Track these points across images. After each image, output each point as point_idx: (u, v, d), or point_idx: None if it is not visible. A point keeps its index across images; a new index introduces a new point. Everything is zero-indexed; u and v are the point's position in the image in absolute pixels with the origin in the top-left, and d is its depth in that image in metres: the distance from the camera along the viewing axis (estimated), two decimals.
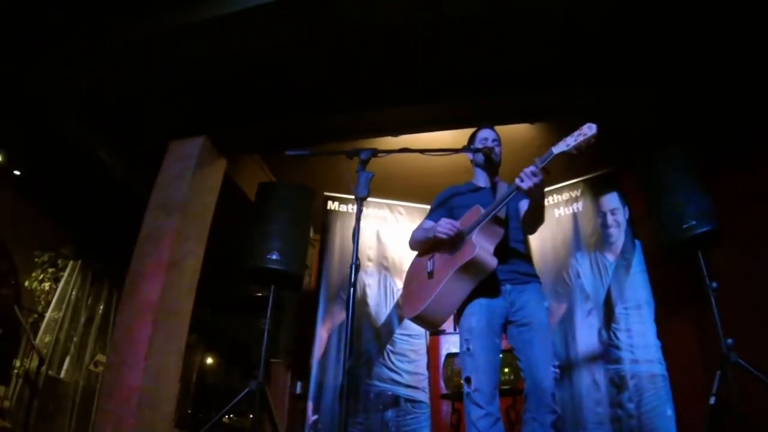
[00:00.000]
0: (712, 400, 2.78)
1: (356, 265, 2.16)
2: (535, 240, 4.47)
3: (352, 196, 4.72)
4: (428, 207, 2.89)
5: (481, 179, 2.70)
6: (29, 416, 5.25)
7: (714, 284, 2.93)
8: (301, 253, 3.86)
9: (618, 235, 3.99)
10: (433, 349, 4.59)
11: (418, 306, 2.34)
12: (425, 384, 4.21)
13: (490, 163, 2.65)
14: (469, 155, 2.73)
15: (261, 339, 3.45)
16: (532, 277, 2.44)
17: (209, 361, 9.69)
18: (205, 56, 3.93)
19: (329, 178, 4.77)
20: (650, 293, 3.72)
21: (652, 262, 3.79)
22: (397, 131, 4.54)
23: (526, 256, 2.51)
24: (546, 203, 4.44)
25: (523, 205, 2.44)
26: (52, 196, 6.99)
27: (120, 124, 4.87)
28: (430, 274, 2.45)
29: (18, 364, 6.20)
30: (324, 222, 4.76)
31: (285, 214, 3.78)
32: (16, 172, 6.68)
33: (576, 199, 4.35)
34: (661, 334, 3.57)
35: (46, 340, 6.61)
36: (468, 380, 2.24)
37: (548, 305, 2.52)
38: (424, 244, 2.57)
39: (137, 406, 3.70)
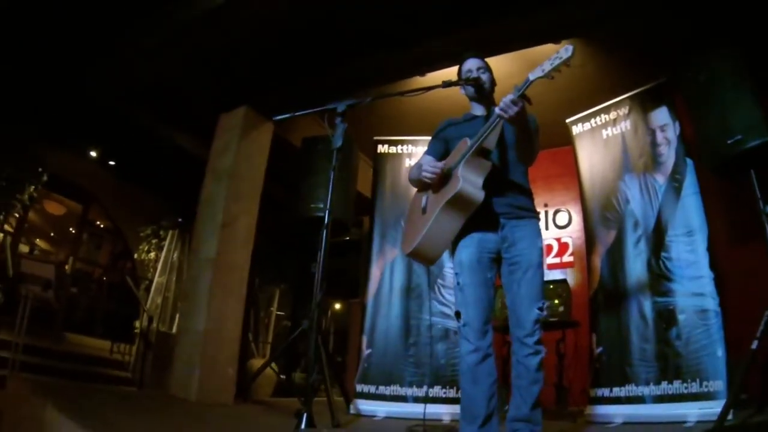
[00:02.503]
0: (754, 344, 2.50)
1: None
2: (584, 163, 4.22)
3: (401, 137, 4.56)
4: None
5: (477, 109, 2.58)
6: (145, 367, 5.96)
7: None
8: (344, 199, 4.06)
9: (668, 153, 3.56)
10: None
11: (413, 242, 2.31)
12: None
13: (481, 93, 2.50)
14: (461, 90, 2.61)
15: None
16: (529, 212, 2.33)
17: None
18: (238, 25, 4.11)
19: (380, 122, 4.94)
20: (703, 218, 3.31)
21: (705, 183, 3.38)
22: (427, 68, 4.43)
23: (526, 190, 2.38)
24: (592, 124, 4.13)
25: None
26: (145, 177, 7.75)
27: (179, 105, 5.39)
28: (424, 210, 2.42)
29: (138, 325, 7.04)
30: (375, 165, 4.83)
31: (327, 165, 3.85)
32: (111, 163, 7.45)
33: (624, 118, 3.96)
34: (714, 265, 3.18)
35: (158, 301, 7.43)
36: (458, 314, 2.25)
37: (541, 244, 2.31)
38: (419, 182, 2.50)
39: (202, 345, 4.24)
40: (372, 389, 4.04)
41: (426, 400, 3.62)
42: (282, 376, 6.57)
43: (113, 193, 8.17)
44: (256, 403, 4.63)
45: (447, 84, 2.51)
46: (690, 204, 3.39)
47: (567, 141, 4.42)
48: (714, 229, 3.29)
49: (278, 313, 8.56)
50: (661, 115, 3.72)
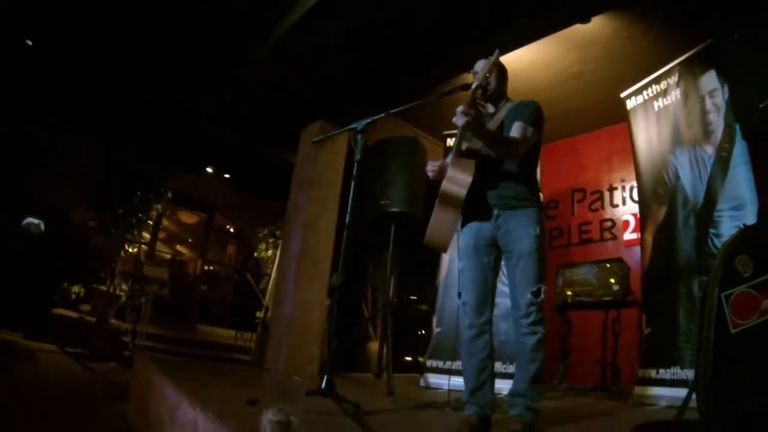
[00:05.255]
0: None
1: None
2: (639, 138, 4.10)
3: None
4: None
5: (490, 107, 2.71)
6: (263, 351, 6.76)
7: None
8: (411, 194, 4.38)
9: (717, 121, 3.35)
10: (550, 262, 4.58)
11: (427, 232, 2.57)
12: None
13: (485, 93, 2.64)
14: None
15: None
16: (523, 201, 2.44)
17: None
18: (302, 53, 4.66)
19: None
20: (754, 189, 3.08)
21: (756, 152, 3.09)
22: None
23: (522, 180, 2.48)
24: (645, 96, 3.99)
25: (514, 130, 2.44)
26: (257, 185, 8.66)
27: (273, 125, 6.18)
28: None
29: (259, 315, 7.93)
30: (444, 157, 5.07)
31: (394, 164, 4.40)
32: (227, 176, 8.46)
33: (674, 87, 3.79)
34: None
35: None
36: (459, 294, 2.51)
37: (538, 232, 2.41)
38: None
39: (289, 328, 4.97)
40: (440, 364, 4.35)
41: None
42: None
43: (232, 201, 9.25)
44: (339, 376, 5.11)
45: (444, 94, 2.71)
46: (739, 174, 3.17)
47: None
48: (766, 201, 3.00)
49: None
50: (710, 80, 3.49)
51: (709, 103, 3.44)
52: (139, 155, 7.30)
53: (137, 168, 7.28)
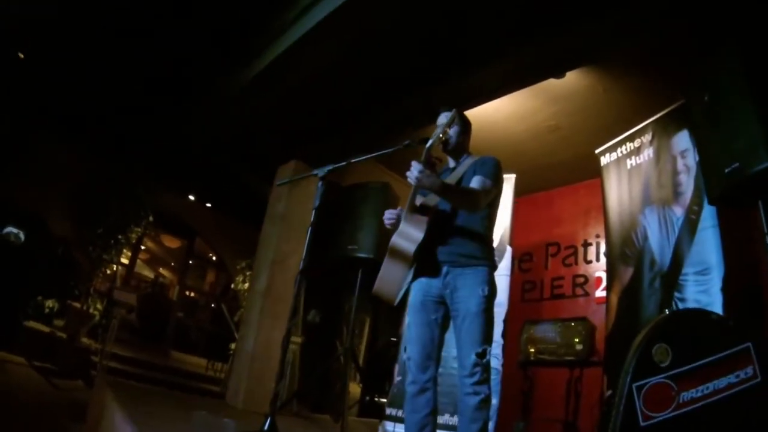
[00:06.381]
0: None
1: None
2: (610, 195, 4.01)
3: None
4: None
5: (450, 161, 2.69)
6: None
7: None
8: (380, 240, 4.23)
9: (687, 182, 3.26)
10: (512, 319, 4.39)
11: (375, 284, 2.52)
12: (499, 351, 4.18)
13: (445, 147, 2.62)
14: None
15: None
16: (474, 259, 2.37)
17: None
18: (283, 91, 4.69)
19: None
20: (720, 255, 2.96)
21: (725, 216, 2.99)
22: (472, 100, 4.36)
23: (476, 237, 2.42)
24: (618, 153, 3.88)
25: (473, 183, 2.42)
26: (239, 214, 8.54)
27: (253, 158, 6.19)
28: None
29: (233, 347, 7.71)
30: None
31: (364, 210, 4.37)
32: (208, 205, 8.39)
33: (648, 145, 3.73)
34: (728, 308, 2.83)
35: None
36: (405, 349, 2.55)
37: (486, 292, 2.29)
38: None
39: (250, 363, 4.83)
40: (398, 412, 4.19)
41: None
42: (367, 398, 6.78)
43: (214, 228, 9.12)
44: (299, 416, 4.88)
45: (407, 145, 2.61)
46: (706, 238, 3.06)
47: None
48: (731, 266, 2.85)
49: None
50: (682, 140, 3.43)
51: (680, 163, 3.35)
52: (123, 173, 7.22)
53: (120, 185, 7.21)
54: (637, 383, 1.84)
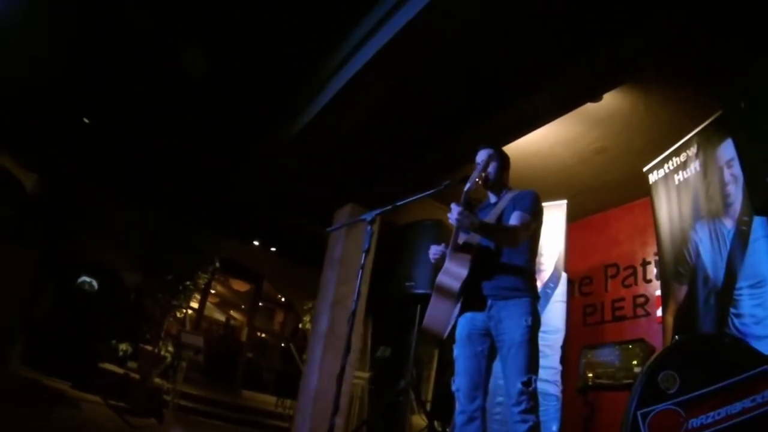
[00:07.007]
0: None
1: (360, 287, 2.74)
2: (661, 213, 3.91)
3: None
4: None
5: (492, 197, 2.82)
6: None
7: None
8: (435, 275, 4.31)
9: (736, 193, 3.15)
10: (571, 344, 4.44)
11: (423, 320, 2.65)
12: (557, 378, 4.21)
13: (486, 183, 2.74)
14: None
15: None
16: (517, 291, 2.48)
17: None
18: (333, 138, 5.01)
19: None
20: None
21: None
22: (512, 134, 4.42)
23: (517, 270, 2.54)
24: (666, 170, 3.84)
25: (512, 219, 2.54)
26: (303, 258, 8.93)
27: (312, 205, 6.57)
28: None
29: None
30: None
31: (419, 246, 4.50)
32: (273, 249, 8.89)
33: (694, 158, 3.60)
34: None
35: None
36: (453, 381, 2.55)
37: (529, 322, 2.34)
38: None
39: (314, 400, 5.07)
40: None
41: None
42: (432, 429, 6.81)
43: (280, 271, 9.56)
44: None
45: (446, 185, 2.66)
46: (759, 249, 2.92)
47: None
48: None
49: None
50: (728, 149, 3.28)
51: (727, 173, 3.24)
52: (188, 225, 7.93)
53: (185, 236, 7.86)
54: (642, 410, 1.83)
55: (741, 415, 1.76)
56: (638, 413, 1.87)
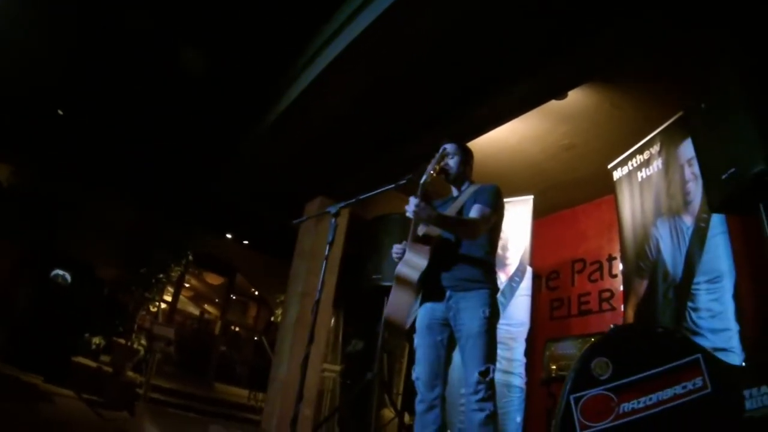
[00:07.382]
0: None
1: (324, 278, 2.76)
2: (624, 210, 4.02)
3: None
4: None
5: (453, 190, 2.85)
6: None
7: None
8: None
9: (695, 191, 3.24)
10: (538, 337, 4.58)
11: (384, 311, 2.72)
12: (521, 370, 4.28)
13: (447, 177, 2.78)
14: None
15: None
16: (475, 283, 2.50)
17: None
18: (304, 132, 5.01)
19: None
20: (730, 261, 2.93)
21: (734, 222, 2.95)
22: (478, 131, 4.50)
23: (476, 262, 2.55)
24: (630, 167, 3.89)
25: (472, 212, 2.55)
26: (275, 251, 8.91)
27: (284, 199, 6.45)
28: None
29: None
30: None
31: (387, 240, 4.37)
32: (245, 242, 8.85)
33: (656, 156, 3.69)
34: (740, 316, 2.79)
35: None
36: (413, 369, 2.57)
37: (487, 314, 2.35)
38: None
39: (283, 390, 5.07)
40: None
41: None
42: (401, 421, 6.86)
43: (253, 264, 9.51)
44: None
45: (408, 179, 2.66)
46: (717, 246, 3.04)
47: None
48: (742, 273, 2.79)
49: None
50: (688, 148, 3.37)
51: (688, 171, 3.34)
52: (163, 218, 7.85)
53: (160, 229, 7.79)
54: (575, 395, 1.88)
55: (672, 401, 1.84)
56: (571, 397, 1.94)
